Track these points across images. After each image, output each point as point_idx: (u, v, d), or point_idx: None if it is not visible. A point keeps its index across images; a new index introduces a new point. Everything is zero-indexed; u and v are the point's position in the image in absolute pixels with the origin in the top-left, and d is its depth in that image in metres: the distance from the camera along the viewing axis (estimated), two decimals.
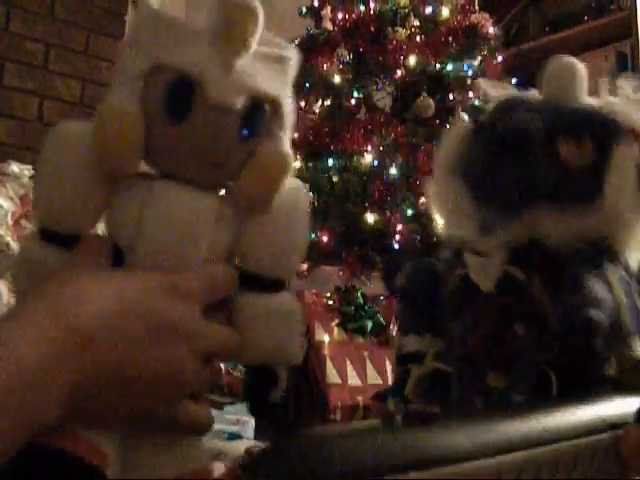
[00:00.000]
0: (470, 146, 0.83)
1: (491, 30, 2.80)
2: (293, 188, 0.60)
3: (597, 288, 0.68)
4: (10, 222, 1.64)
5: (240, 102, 0.55)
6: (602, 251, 0.73)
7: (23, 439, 0.43)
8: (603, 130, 0.77)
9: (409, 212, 2.53)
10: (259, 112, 0.57)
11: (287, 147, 0.59)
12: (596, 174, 0.75)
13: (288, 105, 0.61)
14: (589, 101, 0.80)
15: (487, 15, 2.84)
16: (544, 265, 0.76)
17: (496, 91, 0.90)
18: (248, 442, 1.00)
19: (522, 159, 0.76)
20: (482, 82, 0.97)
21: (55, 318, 0.46)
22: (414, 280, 0.89)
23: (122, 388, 0.49)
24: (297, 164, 2.78)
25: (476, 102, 2.67)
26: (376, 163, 2.59)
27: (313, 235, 2.62)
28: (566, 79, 0.80)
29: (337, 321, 2.00)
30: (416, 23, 2.81)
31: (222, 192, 0.63)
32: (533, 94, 0.84)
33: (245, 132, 0.56)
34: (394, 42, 2.72)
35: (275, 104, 0.58)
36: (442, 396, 0.84)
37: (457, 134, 0.87)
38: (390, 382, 1.86)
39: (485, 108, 0.90)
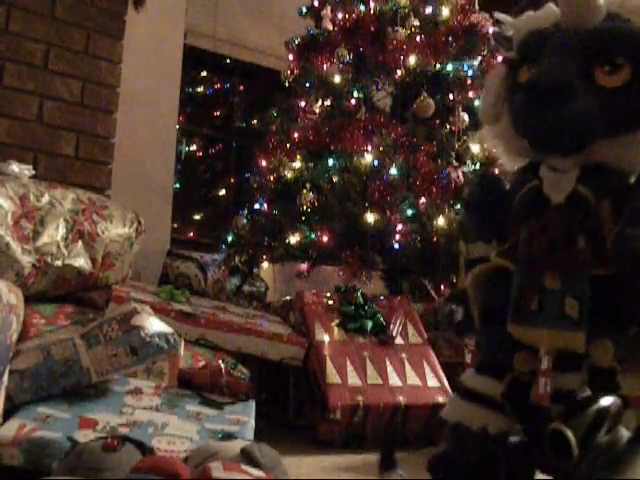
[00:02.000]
0: (510, 90, 0.85)
1: (491, 30, 2.79)
2: None
3: None
4: (10, 222, 1.64)
5: None
6: None
7: None
8: (634, 44, 0.78)
9: (409, 212, 2.53)
10: None
11: None
12: (634, 92, 0.76)
13: None
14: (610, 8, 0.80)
15: (487, 15, 2.84)
16: (613, 191, 0.81)
17: (514, 22, 0.91)
18: (243, 442, 0.99)
19: (563, 104, 0.77)
20: (498, 14, 0.99)
21: None
22: (481, 191, 0.94)
23: None
24: (297, 164, 2.78)
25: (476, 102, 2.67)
26: (376, 163, 2.59)
27: (313, 235, 2.62)
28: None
29: (337, 321, 2.00)
30: (416, 23, 2.81)
31: None
32: (554, 15, 0.84)
33: None
34: (394, 42, 2.72)
35: None
36: (501, 292, 0.89)
37: (493, 79, 0.89)
38: (390, 381, 1.86)
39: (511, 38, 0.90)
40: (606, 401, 0.81)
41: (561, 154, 0.84)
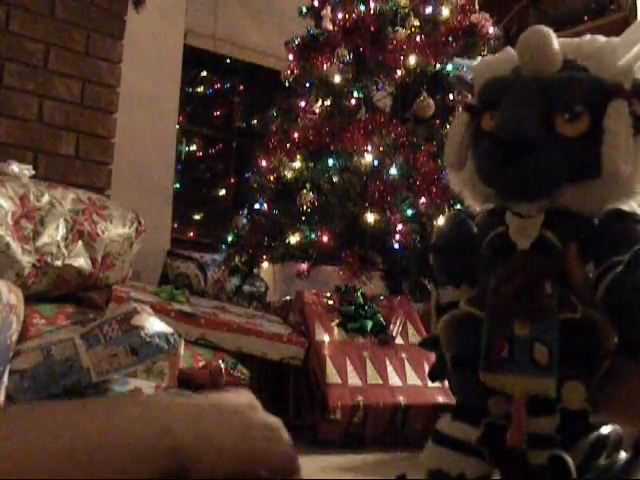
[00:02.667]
0: (473, 137, 0.87)
1: (491, 30, 2.80)
2: None
3: None
4: (10, 222, 1.64)
5: None
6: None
7: None
8: (593, 93, 0.80)
9: (409, 212, 2.53)
10: None
11: None
12: (594, 139, 0.79)
13: None
14: (565, 52, 0.82)
15: (487, 15, 2.85)
16: (579, 234, 0.83)
17: (474, 67, 0.93)
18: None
19: (526, 157, 0.79)
20: (458, 59, 1.01)
21: None
22: (449, 235, 0.96)
23: None
24: (297, 164, 2.78)
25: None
26: (376, 163, 2.59)
27: (313, 235, 2.62)
28: (541, 47, 0.82)
29: (337, 321, 2.00)
30: (416, 23, 2.81)
31: None
32: (513, 60, 0.86)
33: None
34: (394, 42, 2.72)
35: None
36: (471, 339, 0.91)
37: (456, 126, 0.91)
38: (390, 381, 1.86)
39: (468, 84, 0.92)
40: (606, 429, 0.83)
41: (527, 200, 0.86)
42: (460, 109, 0.91)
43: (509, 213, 0.88)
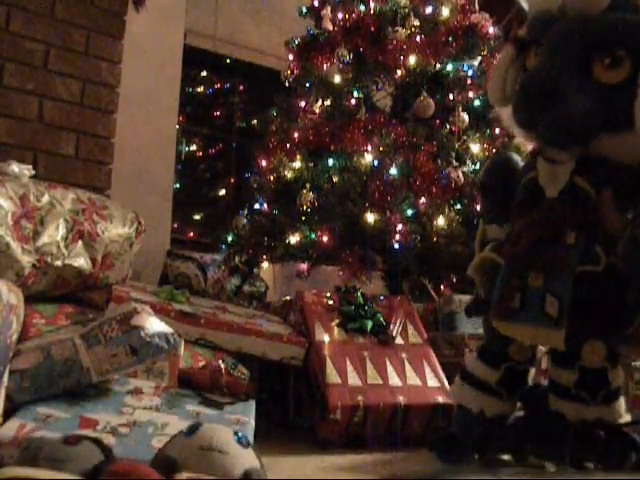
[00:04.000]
0: (519, 74, 0.83)
1: (491, 30, 2.80)
2: None
3: None
4: (10, 222, 1.64)
5: None
6: None
7: None
8: (637, 37, 0.75)
9: (409, 212, 2.53)
10: None
11: None
12: (632, 90, 0.74)
13: None
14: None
15: (487, 15, 2.85)
16: (615, 182, 0.79)
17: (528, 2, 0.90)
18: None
19: (555, 106, 0.76)
20: None
21: None
22: (492, 176, 0.94)
23: None
24: (297, 164, 2.78)
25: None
26: (376, 163, 2.59)
27: (313, 235, 2.62)
28: None
29: (337, 321, 2.00)
30: (416, 23, 2.81)
31: None
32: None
33: None
34: (394, 42, 2.72)
35: None
36: (491, 283, 0.90)
37: (502, 60, 0.88)
38: (390, 381, 1.86)
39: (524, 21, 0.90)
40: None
41: (559, 149, 0.82)
42: (508, 42, 0.87)
43: (540, 158, 0.85)
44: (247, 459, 0.97)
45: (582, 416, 0.81)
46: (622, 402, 0.86)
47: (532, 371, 1.01)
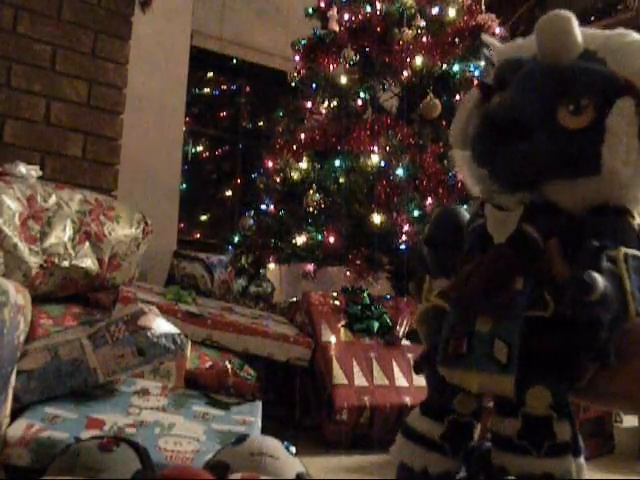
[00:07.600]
0: (479, 119, 0.83)
1: (497, 31, 2.79)
2: None
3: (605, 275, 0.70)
4: (17, 223, 1.64)
5: None
6: (613, 221, 0.75)
7: None
8: (602, 87, 0.76)
9: (415, 213, 2.52)
10: None
11: None
12: (596, 135, 0.74)
13: None
14: (584, 42, 0.78)
15: (493, 16, 2.84)
16: (563, 230, 0.79)
17: (499, 47, 0.90)
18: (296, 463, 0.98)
19: (517, 140, 0.76)
20: (486, 37, 0.98)
21: None
22: (440, 229, 0.93)
23: None
24: (304, 165, 2.78)
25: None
26: (383, 164, 2.59)
27: (319, 236, 2.62)
28: (558, 32, 0.78)
29: (344, 322, 2.00)
30: (422, 24, 2.80)
31: None
32: (531, 46, 0.82)
33: None
34: (400, 43, 2.72)
35: None
36: (437, 331, 0.88)
37: (466, 103, 0.87)
38: (397, 381, 1.86)
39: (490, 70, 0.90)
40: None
41: (511, 191, 0.81)
42: (474, 86, 0.87)
43: (488, 205, 0.85)
44: (296, 464, 0.99)
45: (527, 470, 0.79)
46: (572, 461, 0.82)
47: (478, 427, 0.98)
